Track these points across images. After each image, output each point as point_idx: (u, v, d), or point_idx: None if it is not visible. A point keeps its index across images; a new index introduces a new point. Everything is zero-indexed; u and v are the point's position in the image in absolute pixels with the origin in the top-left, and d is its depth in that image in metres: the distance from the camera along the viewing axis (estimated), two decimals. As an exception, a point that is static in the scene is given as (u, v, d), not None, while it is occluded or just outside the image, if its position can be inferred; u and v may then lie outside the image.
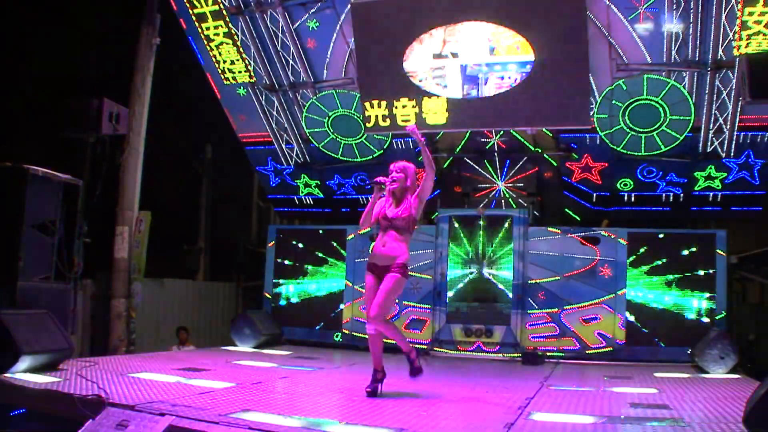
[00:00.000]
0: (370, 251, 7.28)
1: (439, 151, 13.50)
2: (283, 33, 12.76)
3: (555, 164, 13.05)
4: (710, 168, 12.09)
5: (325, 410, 6.01)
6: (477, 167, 13.34)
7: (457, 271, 12.23)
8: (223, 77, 13.27)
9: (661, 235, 11.58)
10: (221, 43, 12.90)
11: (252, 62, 13.06)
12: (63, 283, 9.19)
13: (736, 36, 10.28)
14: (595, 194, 12.90)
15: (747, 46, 10.16)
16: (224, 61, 13.09)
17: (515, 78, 11.70)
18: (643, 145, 12.04)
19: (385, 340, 7.09)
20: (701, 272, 11.28)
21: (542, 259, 11.90)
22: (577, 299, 11.62)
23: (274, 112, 13.67)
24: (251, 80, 13.25)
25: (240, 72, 13.14)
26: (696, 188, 12.28)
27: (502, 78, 11.79)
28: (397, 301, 11.77)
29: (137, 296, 12.57)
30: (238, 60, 13.00)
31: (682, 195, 12.41)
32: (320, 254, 13.13)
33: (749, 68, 8.84)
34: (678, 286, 11.33)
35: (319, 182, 14.34)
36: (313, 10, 12.46)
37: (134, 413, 5.43)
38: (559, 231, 11.99)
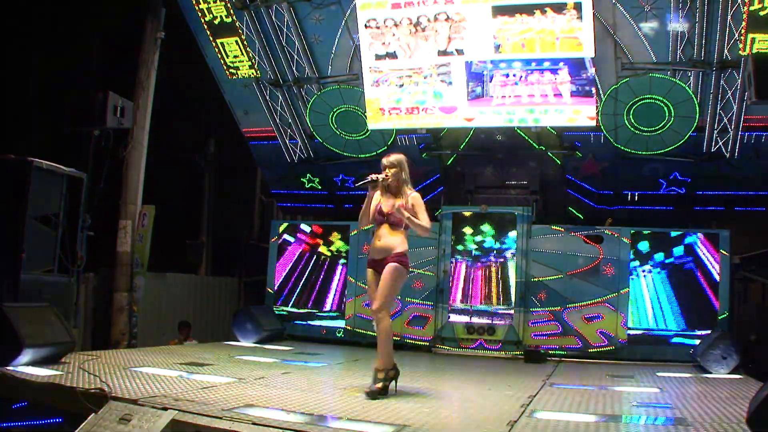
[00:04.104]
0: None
1: (443, 148, 13.49)
2: (288, 28, 12.75)
3: (559, 162, 13.04)
4: (714, 168, 12.08)
5: (327, 406, 6.00)
6: (481, 164, 13.33)
7: (459, 268, 12.23)
8: (227, 72, 13.27)
9: (663, 235, 11.57)
10: (233, 53, 12.92)
11: (256, 57, 13.05)
12: (66, 276, 9.21)
13: (741, 35, 10.30)
14: (598, 193, 12.89)
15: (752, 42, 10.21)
16: (229, 56, 13.08)
17: (520, 75, 11.72)
18: (647, 144, 12.03)
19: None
20: (702, 272, 11.29)
21: (545, 257, 11.90)
22: (579, 297, 11.63)
23: (278, 108, 13.67)
24: (256, 75, 13.24)
25: (244, 67, 13.14)
26: (699, 188, 12.27)
27: (507, 75, 11.81)
28: (399, 297, 11.78)
29: (139, 290, 12.57)
30: (242, 55, 12.98)
31: (685, 194, 12.41)
32: (323, 249, 13.15)
33: (755, 68, 8.84)
34: (680, 286, 11.33)
35: (322, 178, 14.35)
36: (318, 6, 12.44)
37: (137, 407, 5.41)
38: (562, 229, 11.99)
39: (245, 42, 12.90)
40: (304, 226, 13.43)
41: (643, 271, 11.56)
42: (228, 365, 8.55)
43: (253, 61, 13.05)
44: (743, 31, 10.38)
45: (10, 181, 8.53)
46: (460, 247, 12.29)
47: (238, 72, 13.26)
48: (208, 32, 12.94)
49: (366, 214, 6.98)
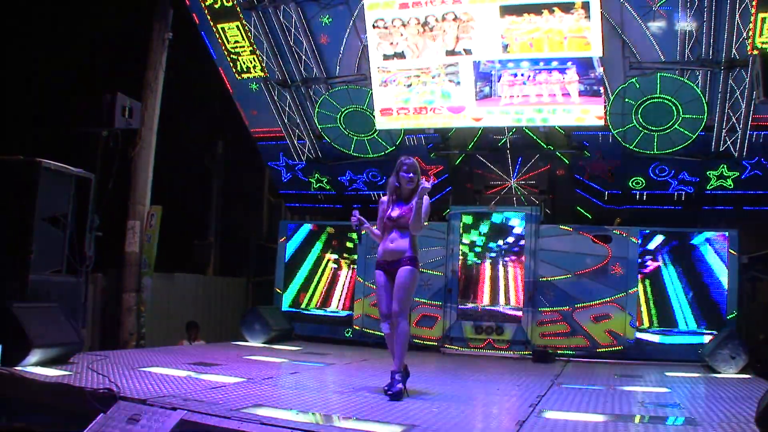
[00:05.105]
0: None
1: (451, 148, 13.49)
2: (296, 28, 12.77)
3: (567, 162, 13.02)
4: (722, 167, 12.05)
5: (335, 406, 6.01)
6: (489, 164, 13.32)
7: (468, 267, 12.22)
8: (235, 72, 13.28)
9: (672, 234, 11.55)
10: (234, 38, 12.89)
11: (264, 57, 13.06)
12: (74, 277, 9.19)
13: (750, 33, 10.26)
14: (606, 192, 12.87)
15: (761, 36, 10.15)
16: (236, 56, 13.09)
17: (528, 75, 11.71)
18: (655, 144, 11.99)
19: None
20: (711, 271, 11.26)
21: (553, 256, 11.87)
22: (588, 297, 11.59)
23: (287, 108, 13.68)
24: (264, 75, 13.25)
25: (252, 67, 13.14)
26: (708, 187, 12.26)
27: (515, 75, 11.80)
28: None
29: (147, 290, 12.60)
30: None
31: (693, 194, 12.38)
32: (331, 250, 13.17)
33: (763, 67, 8.79)
34: (689, 285, 11.30)
35: (330, 178, 14.36)
36: (325, 6, 12.45)
37: (146, 407, 5.42)
38: (571, 229, 11.96)
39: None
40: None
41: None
42: (236, 365, 8.56)
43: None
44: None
45: (19, 181, 8.51)
46: (468, 247, 12.27)
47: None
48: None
49: (377, 236, 7.16)
